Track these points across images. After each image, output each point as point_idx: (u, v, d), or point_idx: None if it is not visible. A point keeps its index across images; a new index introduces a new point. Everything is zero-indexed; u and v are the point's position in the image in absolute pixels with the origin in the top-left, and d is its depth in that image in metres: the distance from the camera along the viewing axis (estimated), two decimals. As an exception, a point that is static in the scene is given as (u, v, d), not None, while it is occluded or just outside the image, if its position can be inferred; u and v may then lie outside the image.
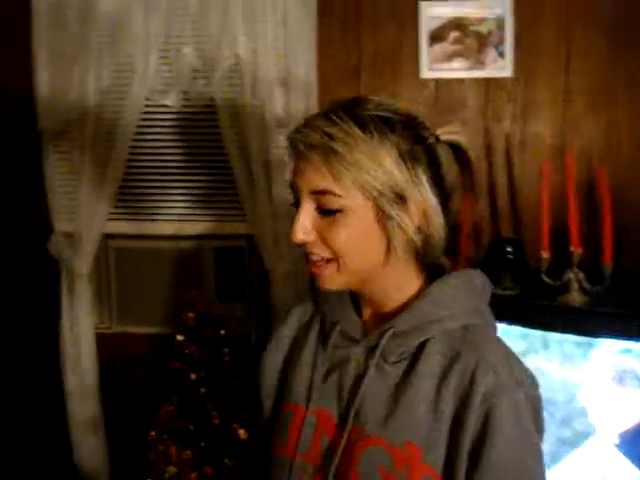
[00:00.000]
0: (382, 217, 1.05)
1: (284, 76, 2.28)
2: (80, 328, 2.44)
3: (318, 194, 1.03)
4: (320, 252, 1.05)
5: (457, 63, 2.31)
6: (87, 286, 2.42)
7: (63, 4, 2.30)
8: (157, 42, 2.30)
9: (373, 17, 2.31)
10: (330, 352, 1.15)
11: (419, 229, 1.06)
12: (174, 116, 2.37)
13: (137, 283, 2.44)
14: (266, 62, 2.26)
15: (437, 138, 1.08)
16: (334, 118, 1.02)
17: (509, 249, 2.04)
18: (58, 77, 2.34)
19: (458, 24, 2.30)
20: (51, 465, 2.55)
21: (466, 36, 2.30)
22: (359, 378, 1.10)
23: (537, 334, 1.94)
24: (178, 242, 2.39)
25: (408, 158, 1.04)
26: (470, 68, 2.31)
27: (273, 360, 1.27)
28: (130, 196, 2.44)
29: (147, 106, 2.36)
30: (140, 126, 2.37)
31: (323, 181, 1.02)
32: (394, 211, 1.04)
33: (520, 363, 1.09)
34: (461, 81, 2.32)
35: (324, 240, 1.04)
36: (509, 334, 1.89)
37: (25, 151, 2.43)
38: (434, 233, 1.07)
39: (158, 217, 2.44)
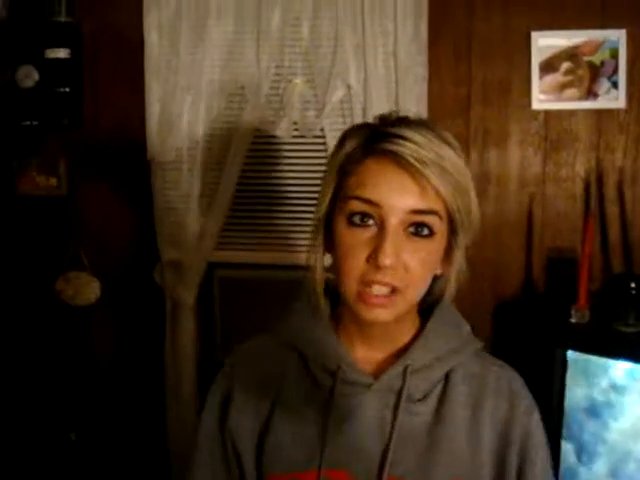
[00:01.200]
0: (452, 245, 1.02)
1: (394, 108, 2.27)
2: (182, 357, 2.44)
3: (422, 214, 0.96)
4: (393, 280, 0.96)
5: (568, 94, 2.28)
6: (191, 315, 2.42)
7: (176, 36, 2.33)
8: (268, 72, 2.31)
9: (484, 48, 2.30)
10: (336, 403, 1.04)
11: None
12: (283, 146, 2.37)
13: (242, 312, 2.42)
14: (377, 93, 2.26)
15: None
16: (428, 136, 0.96)
17: (633, 285, 1.98)
18: (169, 106, 2.36)
19: (570, 54, 2.26)
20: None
21: (578, 67, 2.27)
22: (383, 426, 1.02)
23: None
24: (284, 272, 2.38)
25: None
26: (582, 99, 2.28)
27: (247, 417, 1.10)
28: (237, 225, 2.43)
29: (257, 137, 2.36)
30: (249, 156, 2.37)
31: (433, 200, 0.96)
32: (464, 242, 1.03)
33: None
34: (572, 112, 2.29)
35: (405, 266, 0.96)
36: (635, 373, 1.84)
37: (135, 180, 2.45)
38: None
39: (265, 246, 2.43)
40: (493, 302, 2.35)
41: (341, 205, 1.00)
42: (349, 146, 1.02)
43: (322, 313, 1.09)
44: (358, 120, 2.28)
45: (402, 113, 1.05)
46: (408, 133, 0.95)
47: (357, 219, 0.97)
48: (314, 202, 2.34)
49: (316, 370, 1.07)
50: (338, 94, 2.29)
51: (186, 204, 2.39)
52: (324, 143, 2.33)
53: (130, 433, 2.58)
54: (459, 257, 1.03)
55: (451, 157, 0.96)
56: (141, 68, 2.38)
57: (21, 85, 2.40)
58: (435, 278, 1.05)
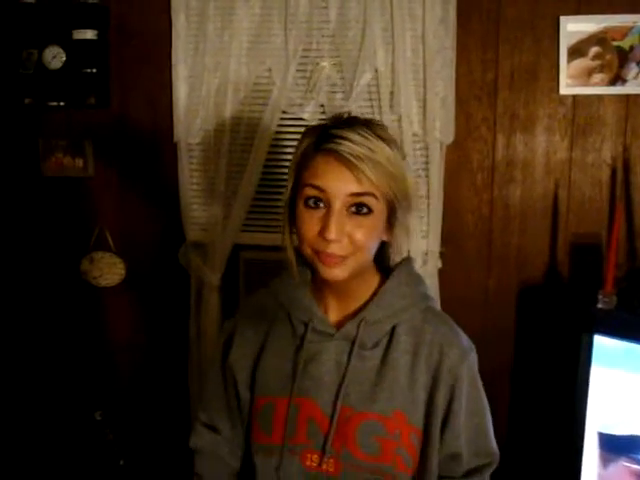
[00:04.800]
0: (392, 220, 1.29)
1: (422, 91, 2.27)
2: (206, 337, 2.45)
3: (359, 196, 1.21)
4: (339, 251, 1.21)
5: (596, 79, 2.27)
6: (216, 296, 2.44)
7: (203, 19, 2.33)
8: (296, 55, 2.31)
9: (512, 32, 2.29)
10: (305, 347, 1.33)
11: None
12: (310, 129, 2.37)
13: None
14: (404, 77, 2.25)
15: None
16: (365, 135, 1.20)
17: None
18: (196, 89, 2.37)
19: (599, 39, 2.25)
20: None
21: (607, 51, 2.25)
22: (340, 367, 1.31)
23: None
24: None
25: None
26: (610, 84, 2.27)
27: (243, 354, 1.41)
28: (264, 207, 2.44)
29: (283, 119, 2.37)
30: (276, 138, 2.37)
31: (367, 185, 1.20)
32: (405, 216, 1.30)
33: (463, 333, 1.37)
34: (600, 97, 2.28)
35: (350, 238, 1.21)
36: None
37: (161, 161, 2.46)
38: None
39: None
40: (517, 287, 2.35)
41: (300, 191, 1.25)
42: (304, 145, 1.27)
43: (300, 276, 1.36)
44: (385, 103, 2.28)
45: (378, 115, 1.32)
46: (347, 133, 1.20)
47: (311, 202, 1.22)
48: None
49: (294, 320, 1.36)
50: (366, 77, 2.28)
51: (212, 186, 2.40)
52: (351, 126, 2.33)
53: (154, 413, 2.60)
54: (402, 229, 1.31)
55: (384, 150, 1.21)
56: (168, 50, 2.39)
57: (48, 66, 2.42)
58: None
